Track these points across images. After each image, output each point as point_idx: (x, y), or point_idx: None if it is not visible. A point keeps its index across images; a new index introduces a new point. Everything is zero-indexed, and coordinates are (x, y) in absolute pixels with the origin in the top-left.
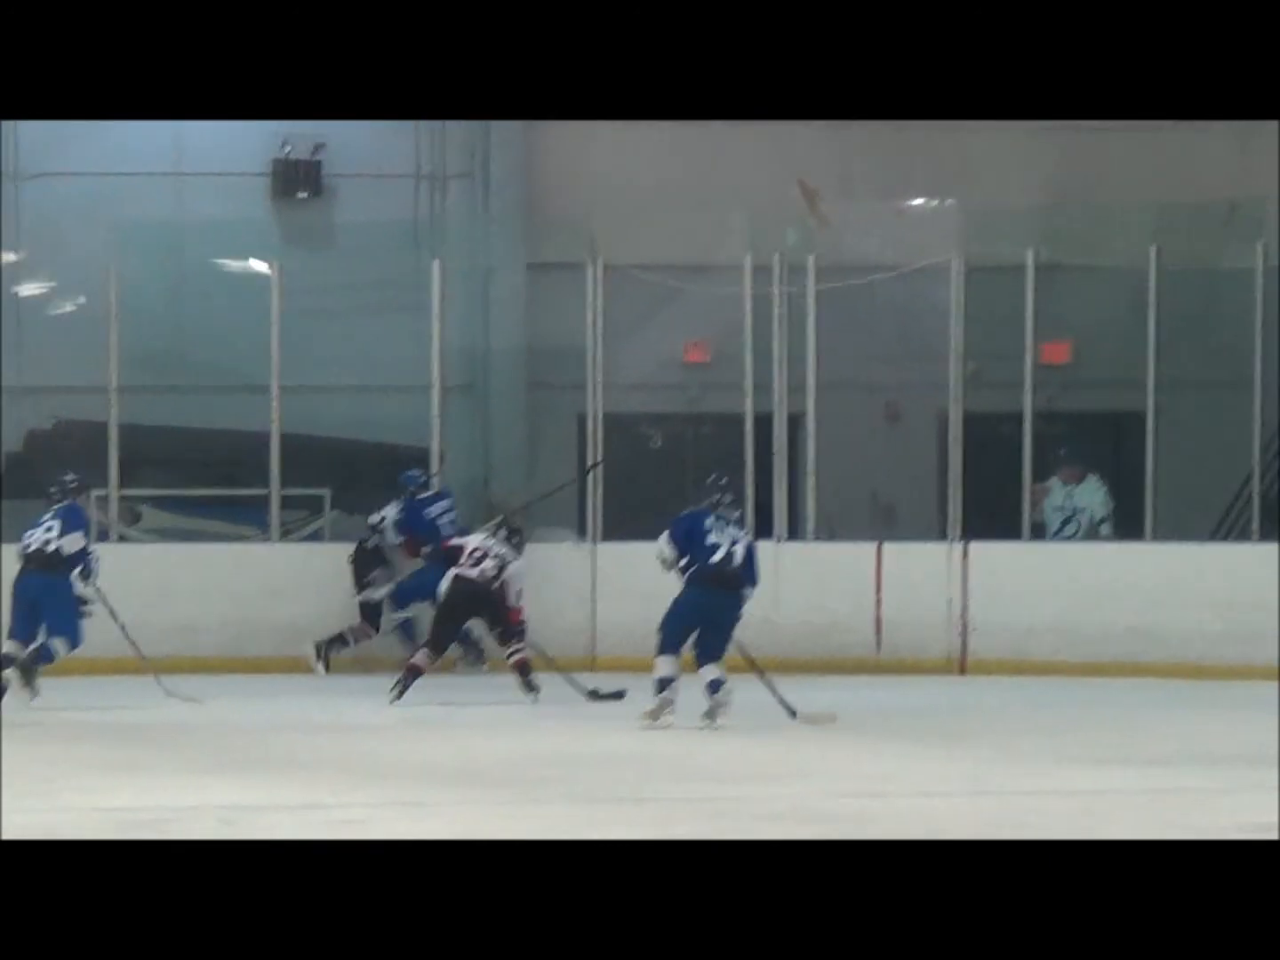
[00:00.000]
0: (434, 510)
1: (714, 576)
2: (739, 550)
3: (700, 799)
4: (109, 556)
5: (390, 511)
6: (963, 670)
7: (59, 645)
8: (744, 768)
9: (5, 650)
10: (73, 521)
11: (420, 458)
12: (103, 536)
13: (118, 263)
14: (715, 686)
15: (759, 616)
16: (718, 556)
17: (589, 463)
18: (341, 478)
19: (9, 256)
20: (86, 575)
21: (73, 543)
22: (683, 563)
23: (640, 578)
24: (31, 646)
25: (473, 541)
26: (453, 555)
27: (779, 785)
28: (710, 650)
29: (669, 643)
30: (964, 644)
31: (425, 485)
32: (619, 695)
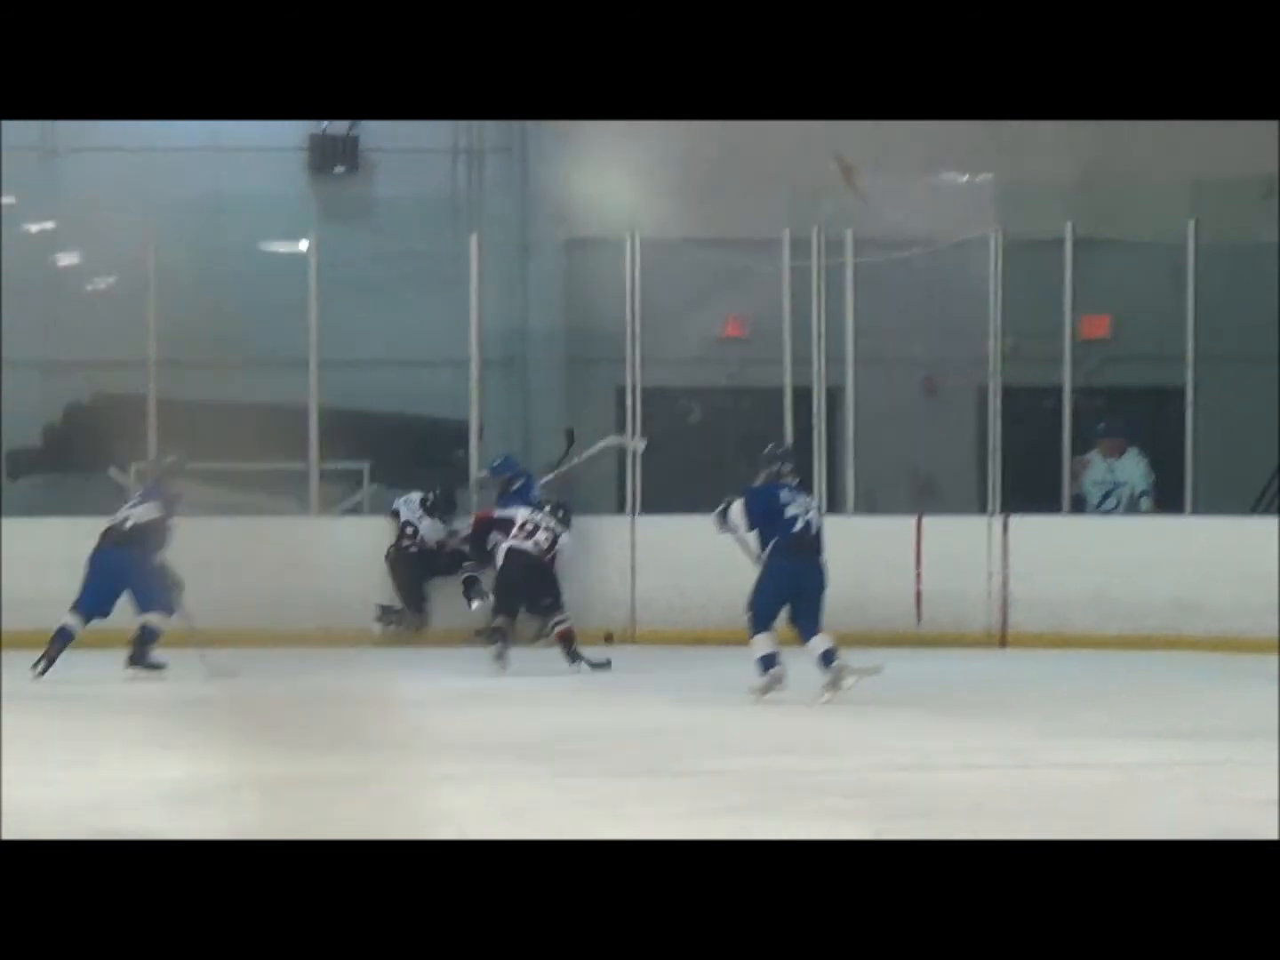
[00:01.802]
0: (534, 497)
1: (798, 546)
2: (814, 517)
3: (740, 772)
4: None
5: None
6: (1003, 643)
7: (155, 619)
8: (784, 741)
9: (65, 622)
10: (152, 497)
11: (459, 432)
12: None
13: (155, 237)
14: (828, 657)
15: None
16: (799, 526)
17: (629, 437)
18: (380, 451)
19: (47, 229)
20: (156, 547)
21: (146, 512)
22: (760, 538)
23: (680, 551)
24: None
25: (522, 514)
26: (501, 527)
27: (818, 758)
28: (810, 622)
29: (762, 620)
30: (1004, 617)
31: (518, 473)
32: (605, 665)
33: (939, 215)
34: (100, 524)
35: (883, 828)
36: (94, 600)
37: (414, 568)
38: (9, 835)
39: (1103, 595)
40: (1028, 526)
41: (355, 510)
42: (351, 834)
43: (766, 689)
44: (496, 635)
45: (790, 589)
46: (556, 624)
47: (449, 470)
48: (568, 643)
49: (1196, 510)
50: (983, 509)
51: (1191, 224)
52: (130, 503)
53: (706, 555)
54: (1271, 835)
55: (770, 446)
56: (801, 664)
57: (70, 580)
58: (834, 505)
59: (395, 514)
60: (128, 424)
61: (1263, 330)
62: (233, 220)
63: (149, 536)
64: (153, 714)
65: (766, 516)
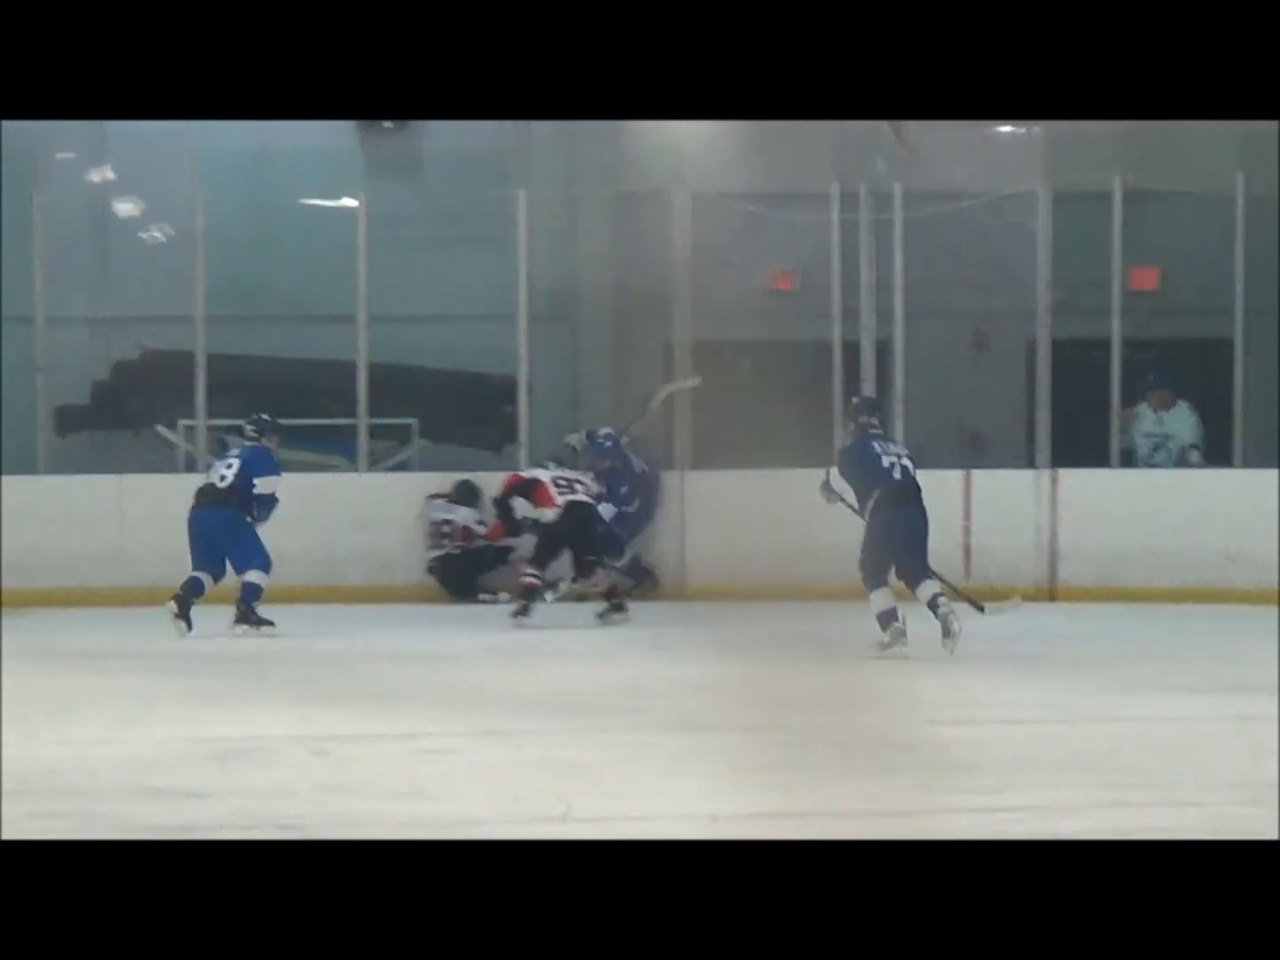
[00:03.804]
0: (623, 494)
1: (900, 495)
2: (908, 463)
3: (786, 727)
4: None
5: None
6: (1052, 597)
7: (255, 577)
8: (830, 696)
9: (194, 573)
10: (261, 464)
11: (507, 388)
12: (190, 466)
13: (204, 193)
14: (936, 602)
15: (846, 544)
16: (897, 475)
17: (683, 380)
18: (429, 407)
19: (96, 183)
20: (260, 517)
21: (266, 485)
22: (862, 493)
23: (729, 505)
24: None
25: (547, 474)
26: (528, 489)
27: (862, 713)
28: (917, 570)
29: (876, 576)
30: (1052, 571)
31: (617, 456)
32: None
33: (988, 168)
34: (150, 481)
35: (927, 782)
36: (204, 560)
37: (458, 572)
38: (63, 790)
39: (1151, 549)
40: (1076, 480)
41: (404, 466)
42: (395, 790)
43: (889, 645)
44: (527, 593)
45: (897, 540)
46: (596, 584)
47: (497, 426)
48: (613, 596)
49: (1245, 463)
50: (1031, 462)
51: (1241, 176)
52: (226, 461)
53: (755, 510)
54: None
55: (855, 400)
56: (826, 620)
57: (119, 537)
58: None
59: (428, 521)
60: (176, 380)
61: None
62: (281, 176)
63: (245, 495)
64: (202, 672)
65: (863, 471)
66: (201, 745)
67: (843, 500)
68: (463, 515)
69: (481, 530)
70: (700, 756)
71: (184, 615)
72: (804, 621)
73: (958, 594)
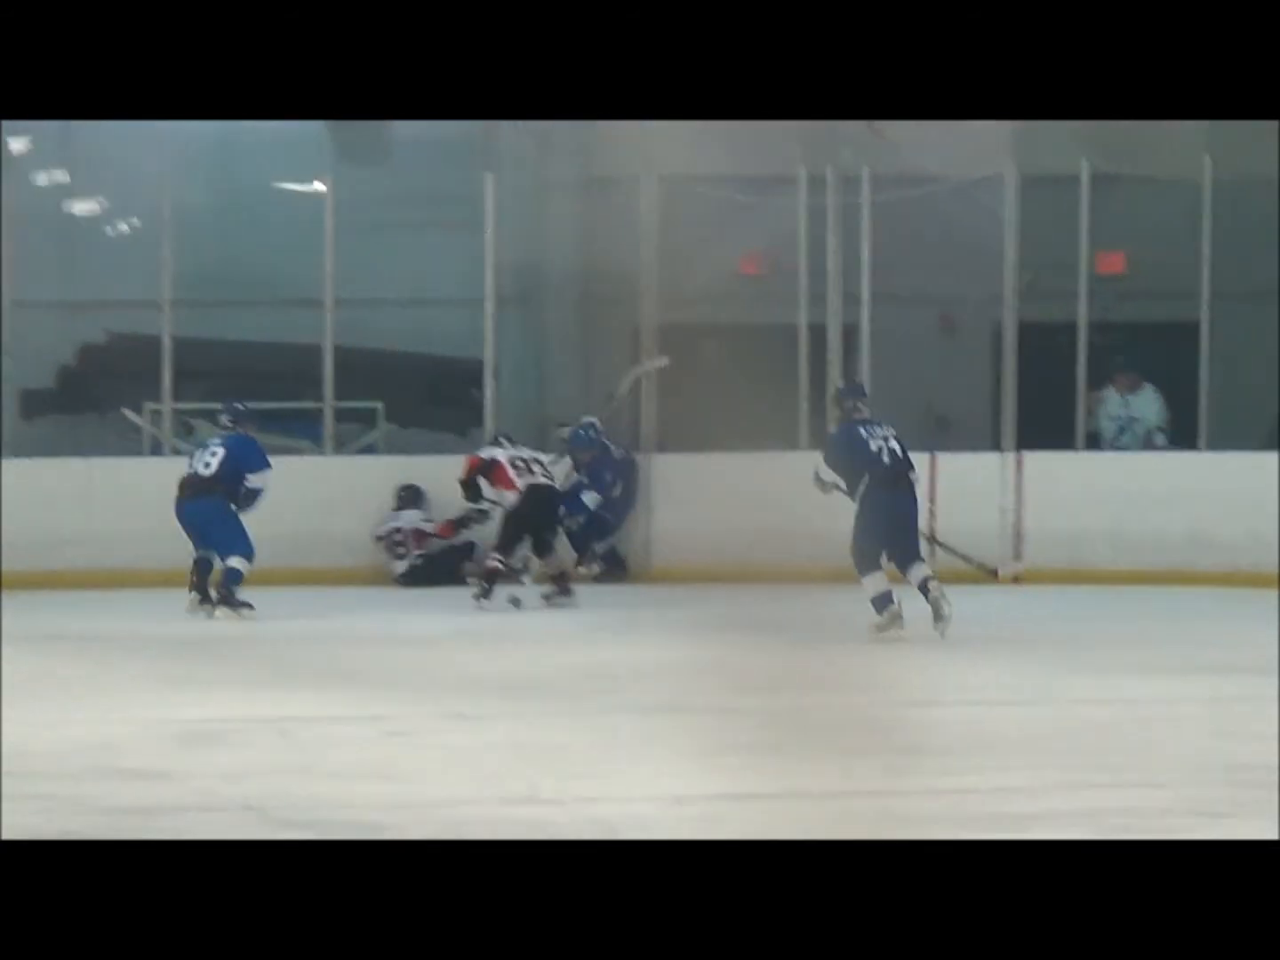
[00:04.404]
0: (606, 481)
1: (890, 479)
2: (896, 445)
3: (753, 710)
4: (162, 470)
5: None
6: (1017, 579)
7: (237, 563)
8: (795, 678)
9: (198, 555)
10: (247, 455)
11: (474, 371)
12: (155, 450)
13: (171, 177)
14: (926, 585)
15: (815, 527)
16: (886, 458)
17: (650, 361)
18: (395, 391)
19: (62, 173)
20: (245, 506)
21: (259, 480)
22: (851, 479)
23: (696, 489)
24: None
25: (503, 453)
26: (488, 470)
27: (833, 695)
28: (908, 552)
29: (869, 560)
30: (1018, 553)
31: (595, 445)
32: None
33: (955, 152)
34: (116, 465)
35: (894, 763)
36: (203, 544)
37: (432, 575)
38: (18, 773)
39: (1117, 531)
40: (1042, 462)
41: (370, 449)
42: (361, 772)
43: (885, 627)
44: (491, 576)
45: (889, 523)
46: (551, 565)
47: (464, 410)
48: (563, 581)
49: (1210, 446)
50: (997, 445)
51: (1207, 160)
52: (208, 449)
53: (722, 493)
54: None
55: (840, 385)
56: (799, 603)
57: (85, 520)
58: None
59: (378, 539)
60: (142, 364)
61: (1276, 265)
62: (248, 160)
63: (231, 483)
64: (168, 655)
65: (851, 458)
66: (167, 727)
67: (837, 488)
68: (408, 519)
69: (430, 529)
70: (666, 738)
71: (206, 598)
72: (771, 604)
73: (969, 562)
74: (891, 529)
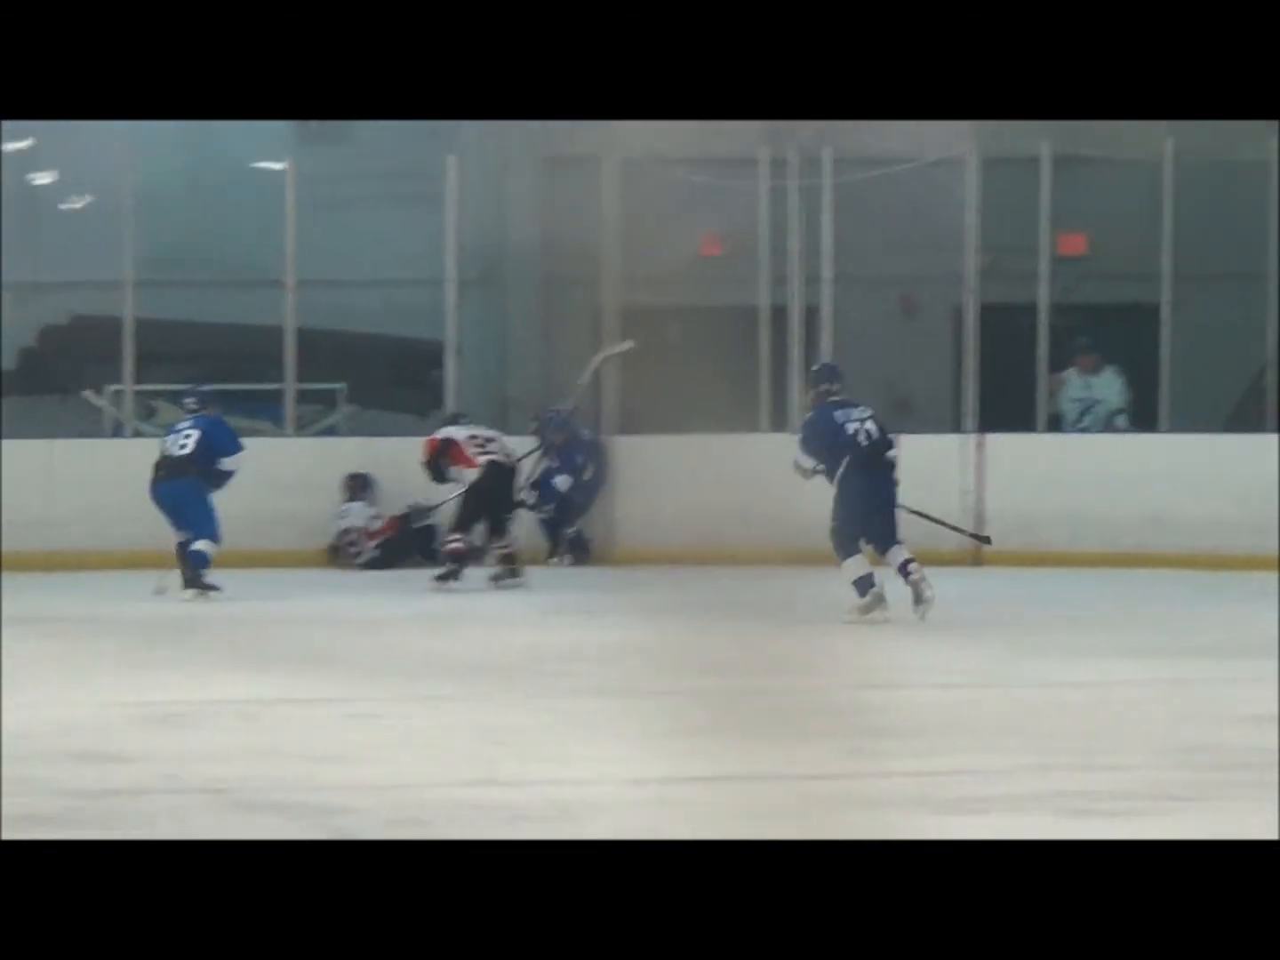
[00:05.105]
0: (579, 463)
1: (868, 460)
2: (872, 425)
3: (711, 691)
4: (124, 452)
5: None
6: (977, 562)
7: (204, 546)
8: (756, 660)
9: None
10: (220, 438)
11: (435, 352)
12: (117, 431)
13: (133, 158)
14: (907, 568)
15: (776, 510)
16: (862, 439)
17: (615, 345)
18: (357, 371)
19: (18, 146)
20: (216, 485)
21: (233, 463)
22: (828, 462)
23: (658, 471)
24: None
25: (460, 432)
26: (448, 449)
27: (790, 678)
28: (887, 534)
29: (849, 543)
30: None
31: (563, 426)
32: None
33: (917, 134)
34: (78, 446)
35: (854, 746)
36: (181, 526)
37: (396, 563)
38: None
39: (1077, 513)
40: (1003, 444)
41: (331, 430)
42: (323, 754)
43: (868, 609)
44: (456, 557)
45: (868, 505)
46: (503, 545)
47: (425, 391)
48: (511, 562)
49: (1172, 428)
50: (958, 427)
51: (1169, 142)
52: (181, 432)
53: (683, 475)
54: (1244, 751)
55: (814, 368)
56: (757, 584)
57: (47, 502)
58: None
59: (332, 548)
60: (104, 346)
61: (1238, 248)
62: (210, 139)
63: (205, 464)
64: (130, 637)
65: (828, 442)
66: (129, 709)
67: (818, 472)
68: (356, 516)
69: (379, 525)
70: (627, 721)
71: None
72: (733, 587)
73: (960, 532)
74: (870, 512)
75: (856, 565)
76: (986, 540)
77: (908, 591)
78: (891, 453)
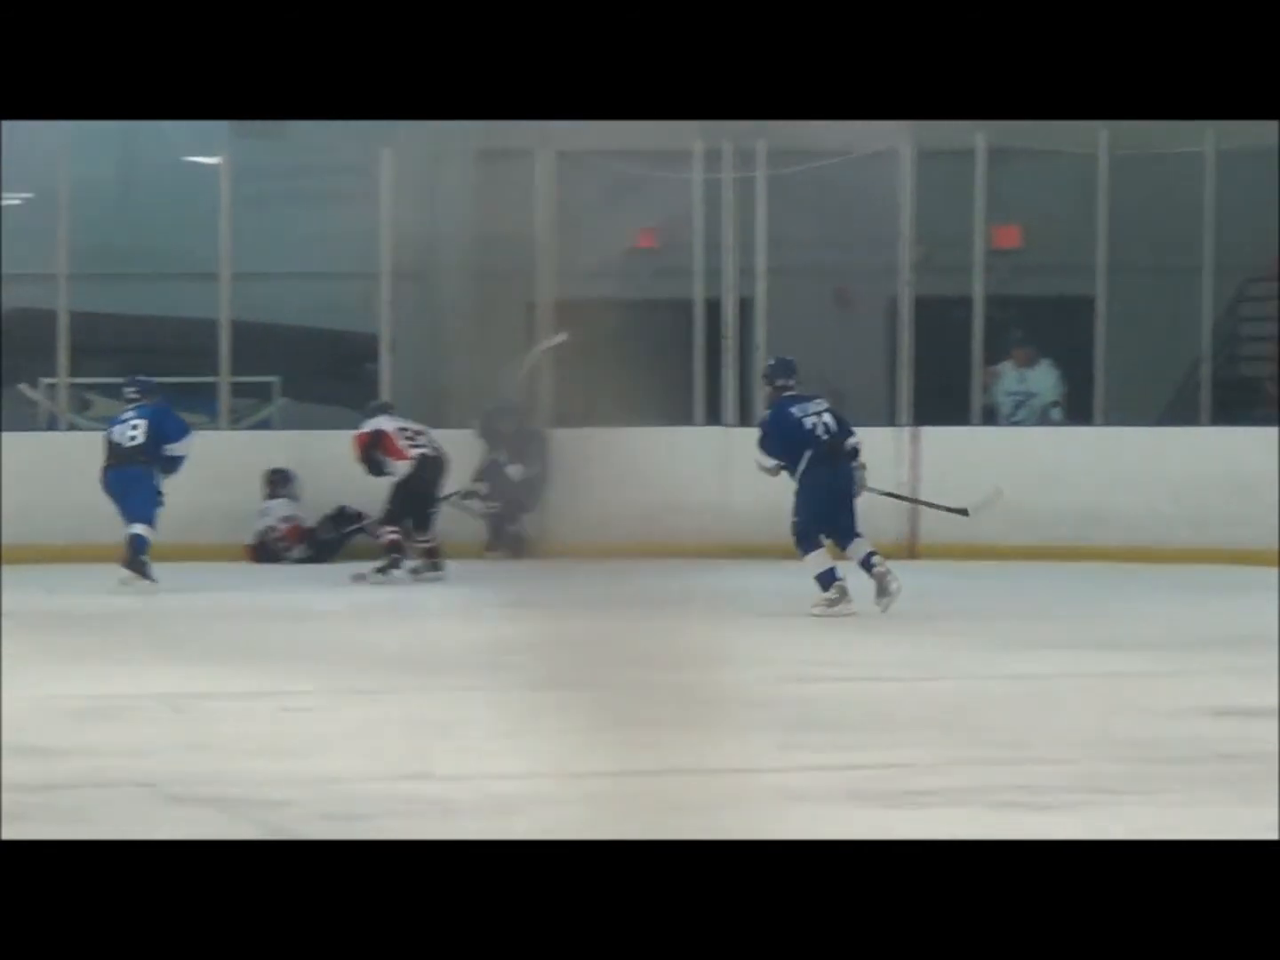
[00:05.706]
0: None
1: (828, 454)
2: (830, 418)
3: (644, 684)
4: (59, 445)
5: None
6: (913, 554)
7: (141, 529)
8: (691, 652)
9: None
10: (167, 425)
11: (369, 345)
12: (52, 425)
13: (67, 151)
14: (870, 561)
15: (710, 503)
16: (821, 433)
17: (549, 339)
18: (291, 365)
19: None
20: (168, 471)
21: (181, 448)
22: (789, 458)
23: (591, 463)
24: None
25: (389, 423)
26: (380, 442)
27: (729, 670)
28: (849, 527)
29: (811, 538)
30: (913, 528)
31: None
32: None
33: (851, 127)
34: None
35: (789, 739)
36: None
37: (330, 555)
38: None
39: (1012, 506)
40: (937, 437)
41: (265, 424)
42: (256, 748)
43: (834, 603)
44: (392, 549)
45: (829, 499)
46: (426, 539)
47: (359, 384)
48: (433, 555)
49: (1106, 421)
50: (893, 420)
51: (1104, 134)
52: (128, 422)
53: (618, 468)
54: (1177, 743)
55: (769, 363)
56: (697, 577)
57: None
58: (744, 417)
59: (256, 546)
60: (39, 339)
61: (1173, 241)
62: (144, 134)
63: (154, 453)
64: (58, 630)
65: (787, 438)
66: (59, 703)
67: (782, 468)
68: (278, 511)
69: (304, 525)
70: (562, 714)
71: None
72: (666, 580)
73: (932, 507)
74: (830, 506)
75: (818, 560)
76: (964, 512)
77: (870, 584)
78: (853, 440)
